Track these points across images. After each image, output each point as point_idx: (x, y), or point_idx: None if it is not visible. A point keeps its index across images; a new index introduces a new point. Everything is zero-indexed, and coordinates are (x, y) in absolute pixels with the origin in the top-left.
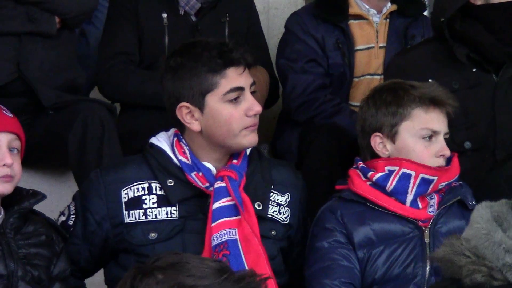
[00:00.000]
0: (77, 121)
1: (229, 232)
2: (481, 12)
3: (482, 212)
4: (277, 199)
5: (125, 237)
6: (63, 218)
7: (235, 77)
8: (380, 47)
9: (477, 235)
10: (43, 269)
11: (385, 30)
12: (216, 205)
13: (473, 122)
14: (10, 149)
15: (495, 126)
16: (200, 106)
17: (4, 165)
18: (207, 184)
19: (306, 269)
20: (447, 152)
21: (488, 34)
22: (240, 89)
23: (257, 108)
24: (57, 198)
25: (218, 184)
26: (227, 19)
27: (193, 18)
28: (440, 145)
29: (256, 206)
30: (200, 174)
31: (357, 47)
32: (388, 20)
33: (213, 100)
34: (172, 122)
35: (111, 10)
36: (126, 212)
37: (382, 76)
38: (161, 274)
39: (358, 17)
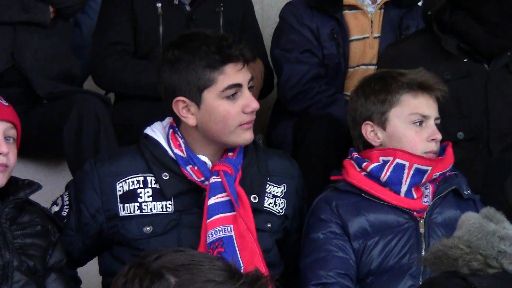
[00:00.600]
0: (72, 113)
1: (225, 228)
2: (471, 3)
3: (471, 214)
4: (273, 191)
5: (120, 230)
6: (56, 208)
7: (233, 74)
8: (375, 37)
9: (470, 230)
10: (38, 259)
11: (379, 21)
12: (212, 200)
13: (466, 112)
14: (6, 138)
15: (488, 116)
16: (197, 101)
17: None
18: (203, 178)
19: (301, 259)
20: (438, 136)
21: (478, 26)
22: (238, 85)
23: (255, 105)
24: (51, 188)
25: (213, 179)
26: (222, 9)
27: (188, 8)
28: (431, 130)
29: (252, 199)
30: (196, 168)
31: (352, 37)
32: (382, 10)
33: (210, 96)
34: (170, 114)
35: (106, 0)
36: (121, 205)
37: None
38: (174, 277)
39: (353, 7)
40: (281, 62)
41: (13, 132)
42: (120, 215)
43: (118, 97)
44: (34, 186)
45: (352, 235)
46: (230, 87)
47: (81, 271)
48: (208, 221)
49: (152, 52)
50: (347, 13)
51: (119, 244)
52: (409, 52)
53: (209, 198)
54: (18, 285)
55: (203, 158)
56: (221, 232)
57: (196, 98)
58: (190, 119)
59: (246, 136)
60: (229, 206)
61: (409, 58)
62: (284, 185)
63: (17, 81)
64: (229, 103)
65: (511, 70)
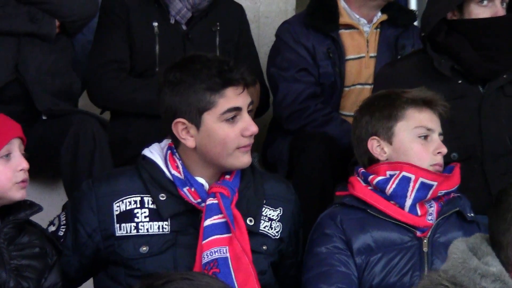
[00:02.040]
0: (69, 133)
1: (220, 250)
2: (467, 27)
3: (458, 244)
4: (269, 214)
5: (116, 250)
6: (53, 228)
7: (234, 97)
8: (371, 57)
9: (454, 265)
10: (33, 282)
11: (375, 40)
12: (208, 222)
13: (460, 133)
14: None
15: (481, 137)
16: (197, 123)
17: (21, 170)
18: (199, 200)
19: (303, 273)
20: (444, 150)
21: (472, 50)
22: (238, 109)
23: (254, 128)
24: (46, 206)
25: (210, 200)
26: (218, 28)
27: (184, 27)
28: (436, 143)
29: (248, 222)
30: (193, 189)
31: (348, 57)
32: (379, 30)
33: (210, 119)
34: (167, 134)
35: (102, 18)
36: (118, 225)
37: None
38: None
39: (349, 26)
40: (277, 80)
41: (22, 148)
42: (117, 234)
43: (113, 114)
44: (35, 208)
45: (355, 251)
46: (230, 110)
47: None
48: (204, 242)
49: (149, 70)
50: (343, 32)
51: (115, 263)
52: (405, 72)
53: (205, 219)
54: None
55: (200, 180)
56: (216, 253)
57: (196, 120)
58: (189, 141)
59: (244, 160)
60: (225, 227)
61: (404, 78)
62: (280, 209)
63: (18, 96)
64: (229, 126)
65: (506, 92)
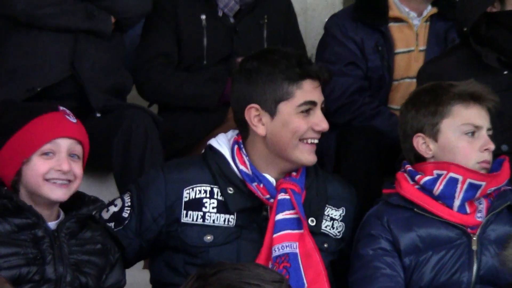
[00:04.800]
0: (121, 128)
1: (291, 245)
2: (505, 18)
3: None
4: (331, 214)
5: (179, 235)
6: (115, 209)
7: (311, 90)
8: (420, 51)
9: None
10: (92, 278)
11: (425, 33)
12: (279, 216)
13: (509, 124)
14: (70, 155)
15: None
16: (271, 112)
17: (58, 170)
18: (268, 196)
19: (350, 275)
20: (491, 146)
21: None
22: (313, 103)
23: (325, 125)
24: None
25: (282, 195)
26: (266, 21)
27: (231, 20)
28: (483, 140)
29: (310, 222)
30: (261, 185)
31: (397, 50)
32: (428, 23)
33: (286, 109)
34: (237, 125)
35: (150, 12)
36: (185, 212)
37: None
38: None
39: (398, 20)
40: None
41: (78, 149)
42: (182, 221)
43: (161, 107)
44: (98, 203)
45: (403, 251)
46: (306, 103)
47: (129, 281)
48: (275, 235)
49: (196, 63)
50: (392, 25)
51: (174, 249)
52: (449, 68)
53: (277, 213)
54: None
55: (268, 176)
56: (287, 248)
57: (271, 109)
58: (260, 129)
59: (310, 157)
60: (296, 223)
61: (449, 74)
62: (342, 209)
63: (73, 94)
64: (302, 119)
65: None
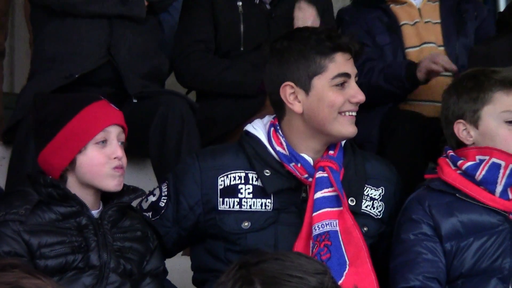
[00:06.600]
0: (158, 114)
1: (331, 223)
2: None
3: None
4: (371, 193)
5: (217, 223)
6: (153, 199)
7: (343, 62)
8: (426, 22)
9: None
10: (135, 264)
11: (429, 9)
12: (318, 195)
13: None
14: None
15: None
16: (306, 88)
17: (115, 157)
18: (306, 175)
19: (391, 260)
20: None
21: None
22: (347, 75)
23: (361, 96)
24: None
25: (320, 174)
26: None
27: (268, 7)
28: None
29: (350, 202)
30: (299, 165)
31: (402, 22)
32: (438, 2)
33: (320, 83)
34: (273, 106)
35: None
36: (221, 199)
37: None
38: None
39: (398, 2)
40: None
41: (122, 137)
42: (219, 208)
43: (199, 94)
44: (138, 192)
45: (444, 237)
46: (340, 75)
47: (170, 268)
48: (314, 214)
49: (233, 50)
50: (393, 6)
51: (214, 237)
52: (501, 52)
53: (316, 192)
54: (112, 286)
55: (305, 156)
56: (328, 226)
57: (305, 85)
58: (296, 106)
59: (350, 128)
60: (335, 201)
61: (500, 57)
62: (382, 188)
63: (109, 79)
64: (337, 92)
65: None
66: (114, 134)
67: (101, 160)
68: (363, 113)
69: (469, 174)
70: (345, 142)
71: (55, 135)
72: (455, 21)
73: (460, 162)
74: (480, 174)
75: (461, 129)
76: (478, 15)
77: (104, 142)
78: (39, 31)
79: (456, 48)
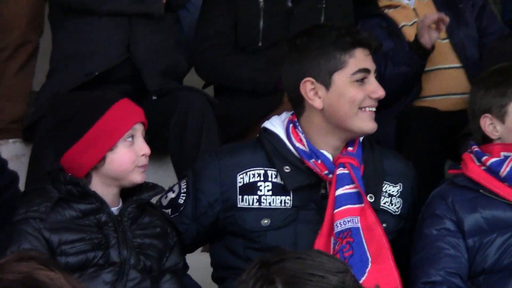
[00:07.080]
0: (178, 110)
1: (352, 219)
2: None
3: None
4: (389, 190)
5: (236, 221)
6: (172, 195)
7: (363, 58)
8: None
9: None
10: (155, 260)
11: (424, 6)
12: (339, 191)
13: None
14: None
15: None
16: (326, 84)
17: (143, 154)
18: (326, 171)
19: (413, 255)
20: None
21: None
22: (367, 71)
23: (381, 92)
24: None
25: (340, 170)
26: (324, 5)
27: (289, 4)
28: None
29: (368, 198)
30: (319, 161)
31: (402, 24)
32: None
33: (340, 79)
34: (291, 103)
35: None
36: (240, 197)
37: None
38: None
39: (391, 6)
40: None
41: (144, 133)
42: (238, 206)
43: (217, 91)
44: (158, 189)
45: (467, 232)
46: (360, 71)
47: (190, 264)
48: (336, 211)
49: (251, 45)
50: (387, 11)
51: (233, 234)
52: None
53: (337, 188)
54: (133, 283)
55: (325, 152)
56: (349, 223)
57: (326, 81)
58: (316, 102)
59: (370, 124)
60: (356, 198)
61: None
62: (400, 184)
63: (128, 77)
64: (357, 88)
65: None
66: (140, 131)
67: (131, 157)
68: (379, 111)
69: (493, 171)
70: (362, 139)
71: (83, 134)
72: (452, 12)
73: (484, 158)
74: (504, 170)
75: (487, 124)
76: (474, 3)
77: (131, 139)
78: (58, 29)
79: (460, 39)
